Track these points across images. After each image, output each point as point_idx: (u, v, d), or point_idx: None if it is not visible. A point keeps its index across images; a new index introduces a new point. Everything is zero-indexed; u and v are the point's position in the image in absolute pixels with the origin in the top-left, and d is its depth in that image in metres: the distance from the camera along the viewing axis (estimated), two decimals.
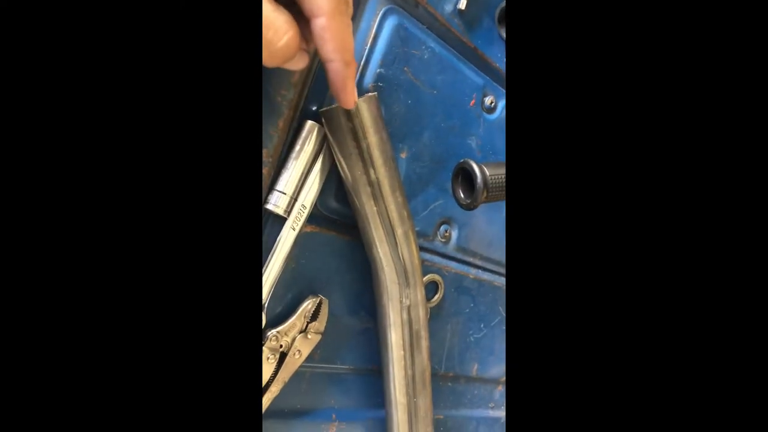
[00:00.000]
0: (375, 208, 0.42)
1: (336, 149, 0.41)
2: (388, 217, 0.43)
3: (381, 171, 0.41)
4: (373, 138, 0.40)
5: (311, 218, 0.44)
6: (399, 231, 0.44)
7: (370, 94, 0.41)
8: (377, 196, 0.42)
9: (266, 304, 0.42)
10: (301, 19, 0.33)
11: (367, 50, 0.46)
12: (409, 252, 0.45)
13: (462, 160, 0.49)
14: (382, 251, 0.44)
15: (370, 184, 0.41)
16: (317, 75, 0.43)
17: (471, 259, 0.61)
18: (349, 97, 0.37)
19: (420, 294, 0.46)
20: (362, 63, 0.46)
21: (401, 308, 0.45)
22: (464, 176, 0.49)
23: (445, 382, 0.62)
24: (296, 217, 0.43)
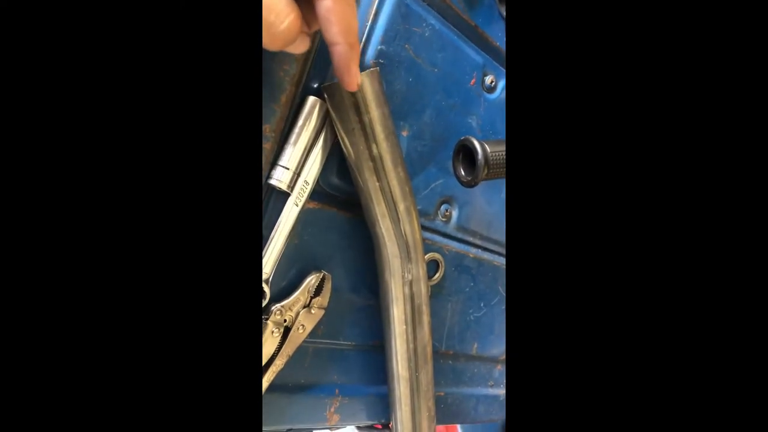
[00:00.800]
0: (377, 184, 0.43)
1: (338, 124, 0.42)
2: (390, 193, 0.43)
3: (383, 146, 0.42)
4: (375, 112, 0.41)
5: (314, 195, 0.45)
6: (401, 206, 0.44)
7: (371, 69, 0.41)
8: (379, 171, 0.42)
9: (270, 279, 0.43)
10: (304, 2, 0.33)
11: (368, 27, 0.46)
12: (411, 227, 0.45)
13: (463, 137, 0.49)
14: (384, 226, 0.44)
15: (372, 159, 0.42)
16: (319, 51, 0.43)
17: (471, 239, 0.62)
18: (353, 79, 0.37)
19: (422, 269, 0.47)
20: (363, 39, 0.46)
21: (403, 283, 0.46)
22: (465, 153, 0.49)
23: (445, 360, 0.63)
24: (299, 192, 0.43)
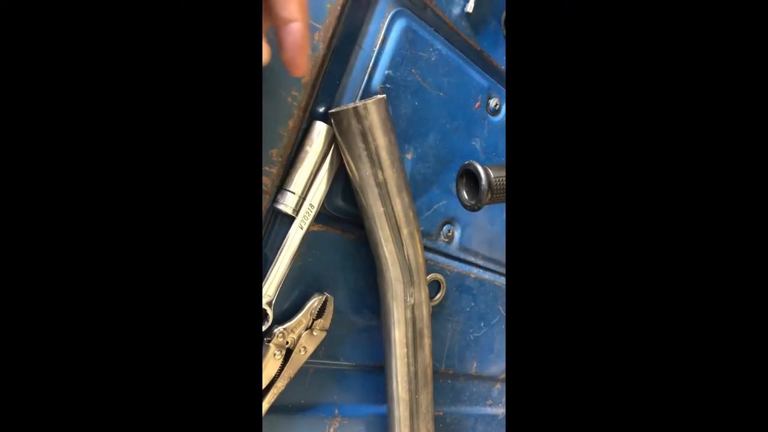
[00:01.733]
0: (382, 209, 0.43)
1: (345, 150, 0.42)
2: (395, 217, 0.44)
3: (388, 172, 0.42)
4: (381, 140, 0.41)
5: (318, 217, 0.45)
6: (405, 231, 0.44)
7: (379, 96, 0.41)
8: (384, 196, 0.43)
9: (273, 302, 0.43)
10: None
11: (376, 52, 0.47)
12: (414, 252, 0.45)
13: (467, 162, 0.50)
14: (387, 250, 0.44)
15: (378, 184, 0.42)
16: (326, 77, 0.44)
17: (473, 259, 0.62)
18: (304, 63, 0.34)
19: (424, 293, 0.47)
20: (371, 65, 0.47)
21: (405, 307, 0.46)
22: (469, 177, 0.50)
23: (445, 379, 0.63)
24: (304, 216, 0.43)
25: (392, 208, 0.43)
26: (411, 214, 0.45)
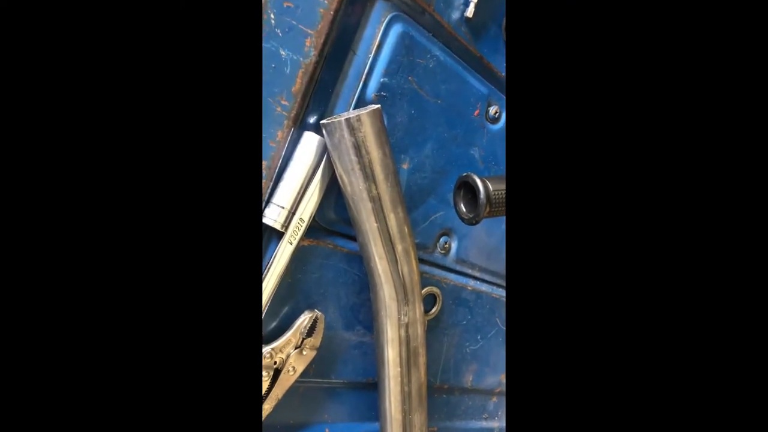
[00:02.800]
0: (375, 224, 0.41)
1: (337, 163, 0.40)
2: (389, 233, 0.42)
3: (382, 186, 0.40)
4: (375, 153, 0.39)
5: (309, 231, 0.43)
6: (399, 247, 0.42)
7: (373, 107, 0.39)
8: (378, 211, 0.41)
9: (261, 321, 0.41)
10: None
11: (371, 59, 0.44)
12: (409, 269, 0.43)
13: (465, 174, 0.48)
14: (381, 267, 0.43)
15: (372, 199, 0.40)
16: (318, 85, 0.42)
17: (470, 271, 0.60)
18: None
19: (419, 311, 0.45)
20: (366, 72, 0.44)
21: (399, 325, 0.44)
22: (467, 190, 0.48)
23: (440, 394, 0.62)
24: (294, 230, 0.41)
25: (386, 223, 0.41)
26: (406, 229, 0.43)
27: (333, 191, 0.44)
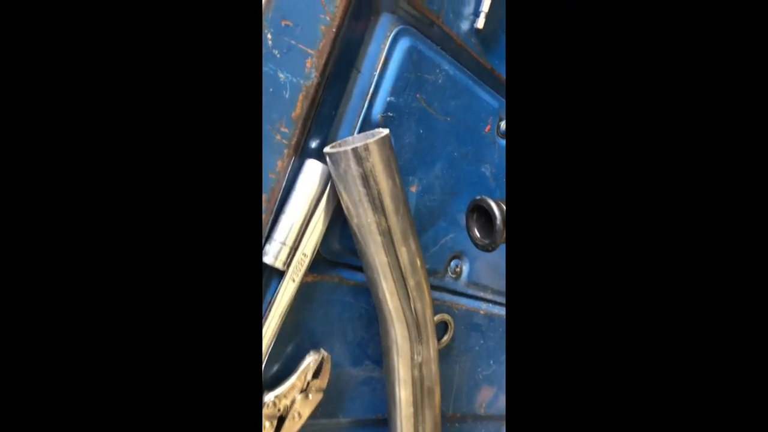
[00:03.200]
0: (386, 258, 0.38)
1: (343, 194, 0.37)
2: (400, 268, 0.38)
3: (393, 218, 0.37)
4: (384, 183, 0.36)
5: (313, 265, 0.40)
6: (411, 282, 0.39)
7: (382, 134, 0.36)
8: (388, 245, 0.37)
9: (263, 366, 0.38)
10: None
11: (376, 76, 0.41)
12: (422, 304, 0.40)
13: (478, 197, 0.44)
14: (392, 305, 0.39)
15: (381, 232, 0.37)
16: (320, 107, 0.38)
17: (482, 294, 0.57)
18: None
19: (433, 349, 0.42)
20: (371, 91, 0.41)
21: (412, 365, 0.41)
22: (480, 214, 0.45)
23: (452, 422, 0.58)
24: (296, 267, 0.38)
25: (397, 257, 0.38)
26: (418, 262, 0.39)
27: (337, 220, 0.41)
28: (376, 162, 0.35)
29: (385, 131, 0.36)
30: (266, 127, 0.35)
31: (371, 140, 0.34)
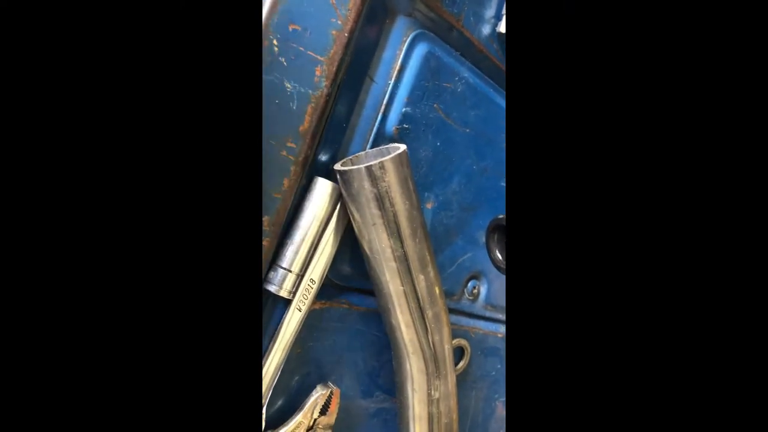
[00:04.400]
0: (401, 287, 0.34)
1: (355, 215, 0.33)
2: (417, 298, 0.35)
3: (410, 243, 0.33)
4: (401, 205, 0.32)
5: (320, 291, 0.36)
6: (429, 313, 0.36)
7: (398, 150, 0.32)
8: (404, 272, 0.34)
9: (266, 402, 0.34)
10: None
11: (391, 85, 0.38)
12: (441, 337, 0.37)
13: (500, 216, 0.41)
14: (408, 337, 0.36)
15: (397, 259, 0.33)
16: (331, 119, 0.35)
17: (500, 316, 0.54)
18: None
19: (452, 383, 0.38)
20: (385, 101, 0.38)
21: (429, 401, 0.37)
22: (502, 233, 0.41)
23: None
24: (303, 294, 0.34)
25: (414, 286, 0.34)
26: (437, 290, 0.36)
27: (347, 241, 0.37)
28: (392, 181, 0.31)
29: (402, 147, 0.33)
30: (271, 143, 0.31)
31: (387, 158, 0.31)
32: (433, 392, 0.37)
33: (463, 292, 0.48)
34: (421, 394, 0.37)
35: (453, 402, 0.39)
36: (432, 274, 0.35)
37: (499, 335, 0.54)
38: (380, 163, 0.31)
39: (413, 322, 0.35)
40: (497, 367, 0.55)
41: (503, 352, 0.55)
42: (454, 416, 0.39)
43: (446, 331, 0.37)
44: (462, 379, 0.51)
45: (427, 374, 0.37)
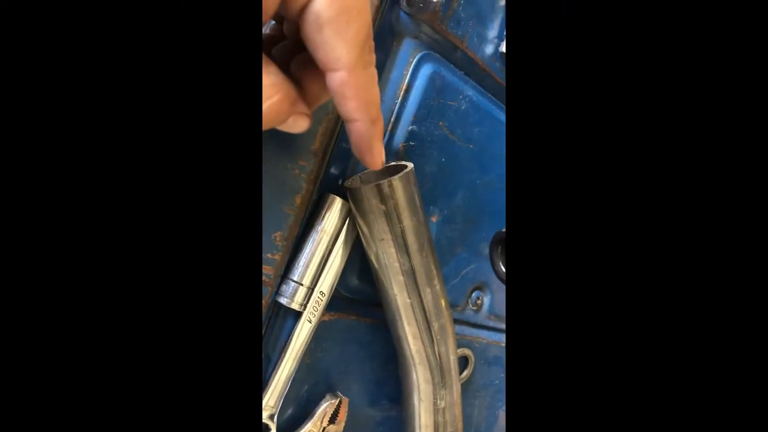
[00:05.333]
0: (408, 300, 0.35)
1: (364, 231, 0.35)
2: (424, 311, 0.36)
3: (417, 258, 0.35)
4: (408, 221, 0.33)
5: (330, 303, 0.37)
6: (435, 325, 0.37)
7: (406, 169, 0.34)
8: (411, 286, 0.35)
9: (276, 413, 0.36)
10: (309, 74, 0.28)
11: (398, 104, 0.39)
12: (446, 348, 0.38)
13: (503, 229, 0.42)
14: (414, 348, 0.37)
15: (404, 273, 0.35)
16: (340, 137, 0.36)
17: (503, 325, 0.55)
18: (376, 159, 0.31)
19: (457, 392, 0.40)
20: (392, 119, 0.39)
21: (435, 410, 0.39)
22: (506, 247, 0.42)
23: None
24: (313, 307, 0.36)
25: (421, 299, 0.36)
26: (443, 303, 0.37)
27: (355, 255, 0.39)
28: (400, 198, 0.33)
29: (410, 165, 0.34)
30: (285, 162, 0.33)
31: (395, 177, 0.32)
32: (438, 402, 0.38)
33: (467, 303, 0.49)
34: (427, 404, 0.38)
35: (458, 411, 0.40)
36: (438, 287, 0.36)
37: (502, 344, 0.55)
38: (389, 181, 0.32)
39: (420, 333, 0.36)
40: (500, 376, 0.56)
41: (502, 361, 0.56)
42: (459, 425, 0.40)
43: (451, 342, 0.38)
44: (465, 389, 0.52)
45: (433, 384, 0.38)
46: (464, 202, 0.46)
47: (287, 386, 0.36)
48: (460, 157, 0.45)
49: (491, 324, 0.53)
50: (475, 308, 0.50)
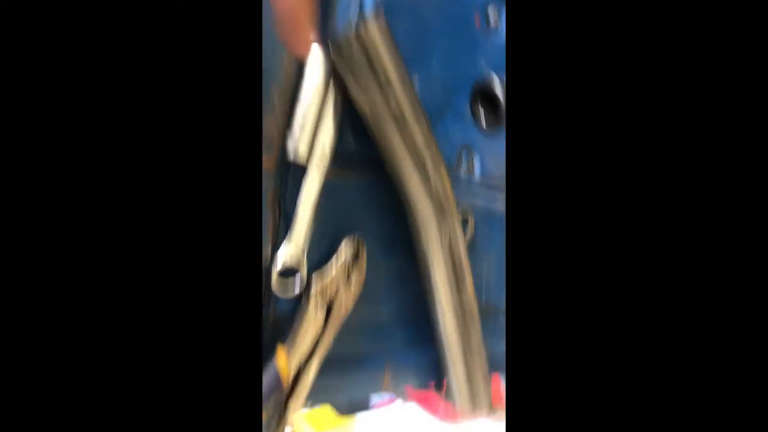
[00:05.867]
0: (402, 141, 0.40)
1: (351, 82, 0.39)
2: (416, 146, 0.41)
3: (401, 98, 0.39)
4: (388, 63, 0.38)
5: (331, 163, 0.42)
6: (429, 161, 0.41)
7: (376, 11, 0.37)
8: (402, 126, 0.40)
9: (306, 250, 0.41)
10: None
11: None
12: (441, 179, 0.43)
13: (480, 81, 0.46)
14: (413, 183, 0.42)
15: (393, 116, 0.39)
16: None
17: (498, 195, 0.59)
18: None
19: (457, 224, 0.45)
20: None
21: (441, 245, 0.44)
22: (484, 97, 0.47)
23: (487, 314, 0.61)
24: (319, 159, 0.40)
25: (412, 137, 0.40)
26: (432, 144, 0.42)
27: (347, 120, 0.43)
28: (377, 40, 0.37)
29: (379, 10, 0.38)
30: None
31: (367, 18, 0.36)
32: (443, 238, 0.43)
33: (459, 162, 0.54)
34: (434, 237, 0.43)
35: (462, 247, 0.45)
36: (424, 122, 0.41)
37: (500, 210, 0.59)
38: (363, 21, 0.36)
39: (416, 170, 0.41)
40: (501, 243, 0.61)
41: (503, 226, 0.61)
42: (466, 265, 0.46)
43: (443, 171, 0.43)
44: (470, 252, 0.57)
45: (436, 217, 0.43)
46: (440, 69, 0.50)
47: (309, 230, 0.41)
48: (429, 24, 0.48)
49: (485, 190, 0.58)
50: (468, 173, 0.55)
